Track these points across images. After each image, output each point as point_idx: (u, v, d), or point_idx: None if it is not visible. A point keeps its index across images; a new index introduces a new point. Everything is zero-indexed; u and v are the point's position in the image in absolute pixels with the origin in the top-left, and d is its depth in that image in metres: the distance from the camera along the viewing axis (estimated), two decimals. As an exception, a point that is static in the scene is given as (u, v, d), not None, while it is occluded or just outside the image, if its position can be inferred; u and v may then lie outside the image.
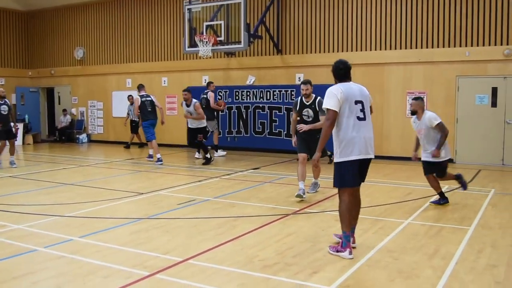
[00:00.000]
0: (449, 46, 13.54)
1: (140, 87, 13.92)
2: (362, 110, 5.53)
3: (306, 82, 8.66)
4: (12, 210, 7.85)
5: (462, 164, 13.14)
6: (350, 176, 5.52)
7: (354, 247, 5.69)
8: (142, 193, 9.29)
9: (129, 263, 5.28)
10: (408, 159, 13.66)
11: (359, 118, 5.48)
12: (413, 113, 8.13)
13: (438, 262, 5.34)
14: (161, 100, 18.30)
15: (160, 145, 17.74)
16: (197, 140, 13.25)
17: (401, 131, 14.10)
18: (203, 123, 13.36)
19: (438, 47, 13.68)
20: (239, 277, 4.93)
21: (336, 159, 5.56)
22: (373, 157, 5.64)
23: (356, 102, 5.51)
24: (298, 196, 8.41)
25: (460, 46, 13.40)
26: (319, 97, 8.36)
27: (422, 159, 8.17)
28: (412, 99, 8.21)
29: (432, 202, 8.28)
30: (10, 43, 21.41)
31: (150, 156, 14.13)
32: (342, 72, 5.64)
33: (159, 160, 13.33)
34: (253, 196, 8.98)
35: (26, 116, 20.74)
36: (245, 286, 4.67)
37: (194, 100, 13.19)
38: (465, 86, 13.40)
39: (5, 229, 6.70)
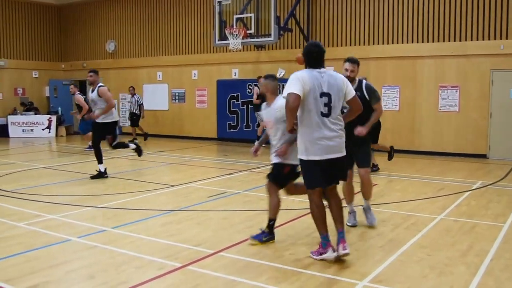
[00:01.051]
0: (483, 39, 13.25)
1: None
2: (327, 105, 4.89)
3: (353, 60, 6.20)
4: (46, 201, 8.00)
5: (495, 159, 12.88)
6: (316, 176, 5.01)
7: (346, 254, 5.00)
8: (173, 186, 9.37)
9: (161, 254, 5.34)
10: (441, 154, 13.57)
11: (322, 114, 4.88)
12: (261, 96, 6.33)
13: (472, 258, 5.25)
14: (191, 93, 18.42)
15: (189, 138, 17.86)
16: (113, 143, 10.53)
17: (433, 125, 13.89)
18: (113, 116, 10.24)
19: (471, 40, 13.40)
20: (269, 270, 4.94)
21: (300, 156, 5.07)
22: (340, 156, 5.03)
23: (322, 95, 4.87)
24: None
25: (495, 39, 13.10)
26: (364, 81, 6.33)
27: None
28: (263, 77, 6.32)
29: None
30: (43, 36, 21.79)
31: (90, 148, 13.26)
32: (314, 56, 5.00)
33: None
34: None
35: (59, 108, 21.09)
36: (276, 280, 4.67)
37: (99, 84, 10.12)
38: (499, 80, 13.11)
39: (40, 219, 6.84)
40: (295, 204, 7.52)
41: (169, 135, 18.53)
